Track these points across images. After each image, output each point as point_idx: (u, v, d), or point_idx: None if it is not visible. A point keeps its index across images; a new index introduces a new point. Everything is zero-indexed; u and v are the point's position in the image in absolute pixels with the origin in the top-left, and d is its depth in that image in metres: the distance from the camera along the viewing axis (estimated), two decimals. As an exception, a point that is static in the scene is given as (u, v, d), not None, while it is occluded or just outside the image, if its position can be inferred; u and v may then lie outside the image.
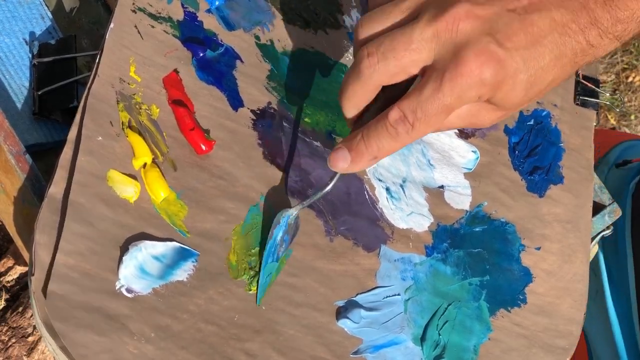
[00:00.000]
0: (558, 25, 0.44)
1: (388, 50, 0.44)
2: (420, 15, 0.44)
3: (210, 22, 0.58)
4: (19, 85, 0.64)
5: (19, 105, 0.63)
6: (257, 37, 0.59)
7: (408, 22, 0.45)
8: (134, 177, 0.51)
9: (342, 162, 0.47)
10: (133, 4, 0.55)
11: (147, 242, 0.49)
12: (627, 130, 1.68)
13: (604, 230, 0.69)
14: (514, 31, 0.43)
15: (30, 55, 0.66)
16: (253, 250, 0.53)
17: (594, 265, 0.76)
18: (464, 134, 0.63)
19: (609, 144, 0.81)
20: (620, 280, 0.75)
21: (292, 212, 0.53)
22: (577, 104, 0.69)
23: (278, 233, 0.52)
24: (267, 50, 0.59)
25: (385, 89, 0.47)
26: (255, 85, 0.58)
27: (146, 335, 0.48)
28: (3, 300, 0.90)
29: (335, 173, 0.49)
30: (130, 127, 0.52)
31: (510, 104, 0.46)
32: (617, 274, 0.75)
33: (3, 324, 0.87)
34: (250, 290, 0.52)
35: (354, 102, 0.47)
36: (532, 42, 0.44)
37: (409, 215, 0.59)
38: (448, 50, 0.43)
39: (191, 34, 0.57)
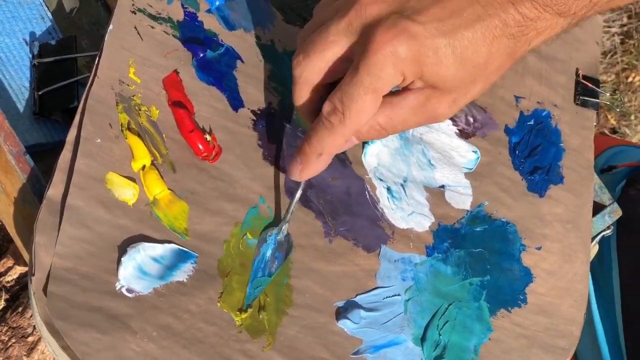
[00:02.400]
0: None
1: (309, 47, 0.47)
2: (338, 11, 0.46)
3: (211, 23, 0.58)
4: (19, 86, 0.64)
5: (19, 106, 0.63)
6: (258, 37, 0.59)
7: None
8: (132, 179, 0.51)
9: (295, 169, 0.50)
10: (133, 4, 0.55)
11: (146, 244, 0.49)
12: (627, 130, 1.68)
13: (604, 230, 0.69)
14: (426, 6, 0.44)
15: (30, 56, 0.66)
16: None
17: None
18: (464, 134, 0.63)
19: (598, 149, 0.81)
20: (605, 285, 0.75)
21: (279, 230, 0.53)
22: (577, 104, 0.69)
23: (266, 250, 0.53)
24: (267, 50, 0.59)
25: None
26: (256, 86, 0.58)
27: (148, 334, 0.48)
28: (3, 300, 0.90)
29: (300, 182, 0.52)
30: (129, 129, 0.52)
31: (449, 82, 0.45)
32: (602, 279, 0.75)
33: (3, 324, 0.87)
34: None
35: (302, 106, 0.50)
36: (448, 14, 0.44)
37: (409, 215, 0.59)
38: (361, 36, 0.45)
39: (191, 34, 0.57)
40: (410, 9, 0.44)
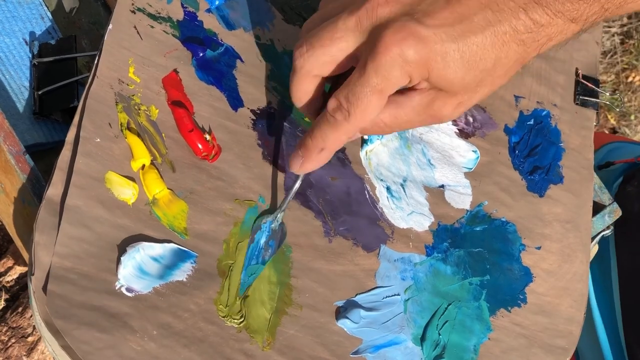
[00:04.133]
0: (491, 2, 0.44)
1: (314, 40, 0.47)
2: (346, 7, 0.46)
3: (210, 22, 0.58)
4: (19, 85, 0.64)
5: (19, 105, 0.64)
6: (257, 37, 0.59)
7: None
8: (132, 179, 0.51)
9: (296, 162, 0.50)
10: (132, 4, 0.55)
11: (145, 244, 0.49)
12: (627, 130, 1.68)
13: (604, 230, 0.69)
14: (437, 10, 0.44)
15: (30, 56, 0.66)
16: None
17: None
18: (464, 134, 0.63)
19: (594, 146, 0.81)
20: (604, 283, 0.75)
21: (274, 218, 0.53)
22: (577, 104, 0.69)
23: (260, 237, 0.53)
24: (267, 50, 0.59)
25: (336, 84, 0.49)
26: (256, 85, 0.58)
27: (149, 333, 0.48)
28: (3, 300, 0.90)
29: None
30: (129, 128, 0.52)
31: (454, 85, 0.45)
32: (601, 277, 0.75)
33: (3, 324, 0.87)
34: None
35: (298, 96, 0.50)
36: (458, 19, 0.44)
37: (409, 214, 0.59)
38: (370, 35, 0.45)
39: (191, 33, 0.57)
40: (421, 12, 0.44)
